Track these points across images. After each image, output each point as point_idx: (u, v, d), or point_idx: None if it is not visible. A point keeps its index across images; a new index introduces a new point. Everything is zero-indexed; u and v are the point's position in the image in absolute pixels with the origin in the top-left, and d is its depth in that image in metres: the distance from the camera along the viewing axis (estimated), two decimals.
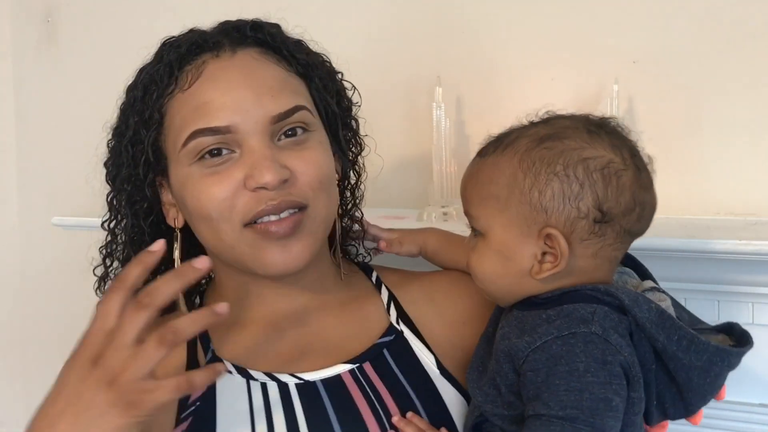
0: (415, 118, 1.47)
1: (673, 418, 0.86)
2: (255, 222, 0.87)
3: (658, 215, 1.33)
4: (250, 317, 0.95)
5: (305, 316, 0.95)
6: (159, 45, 0.93)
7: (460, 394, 0.92)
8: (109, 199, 0.98)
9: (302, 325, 0.94)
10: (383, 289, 1.00)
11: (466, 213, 0.86)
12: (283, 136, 0.89)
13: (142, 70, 0.93)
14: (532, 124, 0.86)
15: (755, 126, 1.27)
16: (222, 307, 0.72)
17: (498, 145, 0.84)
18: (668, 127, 1.32)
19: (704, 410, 1.23)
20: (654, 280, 0.91)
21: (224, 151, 0.87)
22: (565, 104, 1.36)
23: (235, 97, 0.87)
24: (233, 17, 0.97)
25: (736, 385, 1.22)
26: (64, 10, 1.79)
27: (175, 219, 0.95)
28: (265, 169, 0.84)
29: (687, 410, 0.84)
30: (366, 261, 1.07)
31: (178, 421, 0.86)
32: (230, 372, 0.89)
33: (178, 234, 0.95)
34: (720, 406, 1.23)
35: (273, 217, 0.86)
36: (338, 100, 0.99)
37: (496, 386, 0.82)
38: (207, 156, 0.87)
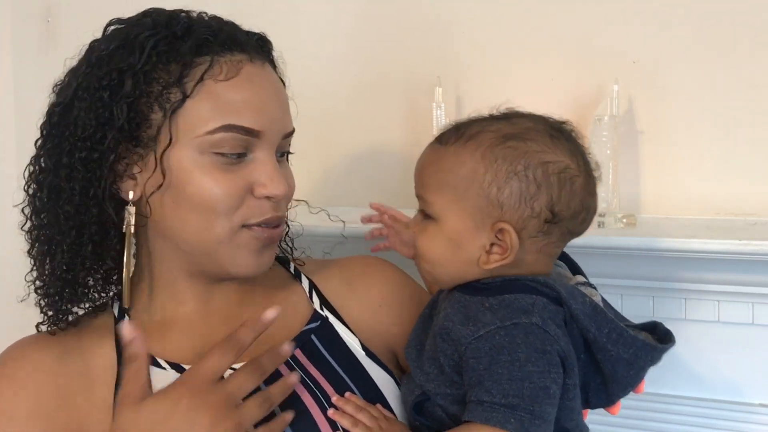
0: (415, 118, 1.47)
1: (594, 407, 0.91)
2: (249, 225, 0.90)
3: (659, 215, 1.34)
4: (182, 313, 0.96)
5: (236, 310, 0.97)
6: (166, 17, 0.91)
7: (387, 373, 0.95)
8: (55, 156, 0.92)
9: (234, 319, 0.95)
10: (303, 278, 1.03)
11: (420, 196, 0.89)
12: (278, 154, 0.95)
13: (135, 33, 0.89)
14: (493, 118, 0.89)
15: (755, 126, 1.27)
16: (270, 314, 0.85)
17: (459, 135, 0.86)
18: (668, 127, 1.32)
19: (703, 410, 1.25)
20: (584, 276, 0.94)
21: (248, 155, 0.89)
22: (565, 104, 1.36)
23: (269, 107, 0.91)
24: (243, 23, 0.97)
25: (736, 385, 1.22)
26: (64, 10, 1.80)
27: (131, 192, 0.91)
28: (280, 183, 0.90)
29: (608, 400, 0.90)
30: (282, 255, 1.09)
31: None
32: (164, 368, 0.90)
33: (134, 209, 0.92)
34: (720, 407, 1.23)
35: (264, 225, 0.91)
36: None
37: (438, 365, 0.85)
38: (229, 154, 0.88)
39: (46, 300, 0.95)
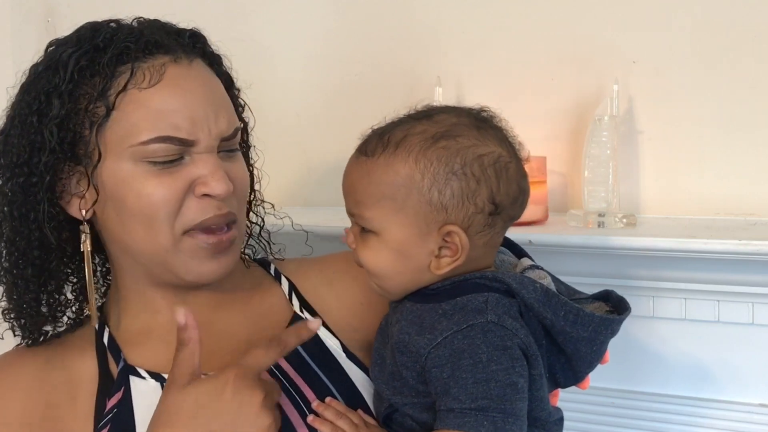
0: None
1: (564, 386, 0.90)
2: (191, 230, 0.88)
3: (659, 215, 1.34)
4: (158, 322, 0.95)
5: (212, 316, 0.96)
6: (89, 30, 0.90)
7: (367, 375, 0.94)
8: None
9: (210, 325, 0.95)
10: (283, 279, 1.02)
11: (355, 213, 0.86)
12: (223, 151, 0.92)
13: (59, 52, 0.89)
14: (413, 118, 0.86)
15: (755, 126, 1.27)
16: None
17: (385, 143, 0.83)
18: (668, 127, 1.32)
19: (703, 410, 1.25)
20: (530, 257, 0.93)
21: (185, 158, 0.88)
22: (565, 104, 1.37)
23: (200, 112, 0.88)
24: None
25: (737, 385, 1.22)
26: (64, 10, 1.79)
27: (83, 210, 0.90)
28: (221, 180, 0.87)
29: (576, 378, 0.88)
30: (263, 257, 1.08)
31: (97, 429, 0.87)
32: (144, 377, 0.90)
33: (87, 227, 0.92)
34: (720, 407, 1.23)
35: (213, 227, 0.89)
36: (239, 113, 1.00)
37: (401, 378, 0.84)
38: (160, 162, 0.87)
39: (12, 325, 0.95)
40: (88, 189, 0.88)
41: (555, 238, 1.18)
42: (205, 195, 0.87)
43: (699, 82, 1.29)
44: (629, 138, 1.33)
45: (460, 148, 0.82)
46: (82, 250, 0.92)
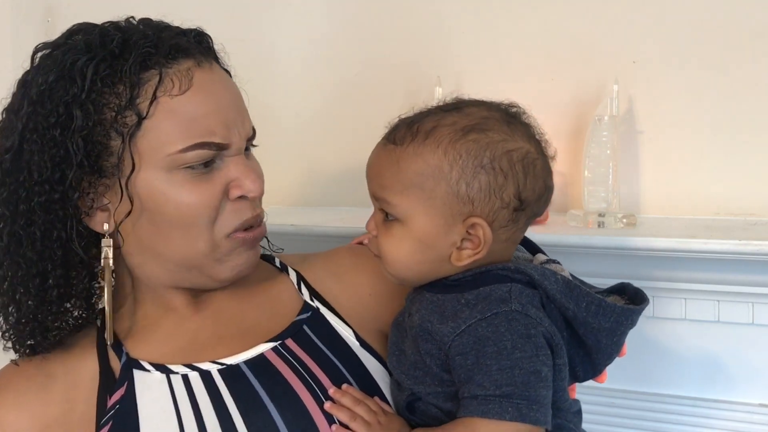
0: None
1: (583, 379, 0.90)
2: (232, 233, 0.89)
3: (659, 215, 1.34)
4: (168, 317, 0.94)
5: (222, 303, 0.96)
6: (98, 35, 0.87)
7: (381, 365, 0.94)
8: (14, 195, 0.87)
9: (217, 313, 0.95)
10: (290, 270, 1.02)
11: (380, 198, 0.86)
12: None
13: (69, 60, 0.85)
14: (443, 110, 0.86)
15: (755, 126, 1.27)
16: None
17: (414, 133, 0.84)
18: (668, 127, 1.32)
19: (703, 410, 1.25)
20: (544, 253, 0.93)
21: (216, 161, 0.88)
22: (565, 104, 1.37)
23: (231, 115, 0.89)
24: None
25: (737, 385, 1.23)
26: (64, 11, 1.79)
27: (106, 224, 0.89)
28: (255, 181, 0.89)
29: (594, 371, 0.89)
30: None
31: (99, 427, 0.86)
32: (148, 370, 0.89)
33: (111, 240, 0.90)
34: (720, 407, 1.23)
35: (246, 229, 0.90)
36: None
37: (425, 366, 0.84)
38: (195, 168, 0.86)
39: (18, 345, 0.92)
40: (121, 201, 0.87)
41: (555, 238, 1.18)
42: (240, 196, 0.88)
43: (699, 82, 1.29)
44: (629, 138, 1.33)
45: (490, 142, 0.82)
46: (102, 265, 0.91)
